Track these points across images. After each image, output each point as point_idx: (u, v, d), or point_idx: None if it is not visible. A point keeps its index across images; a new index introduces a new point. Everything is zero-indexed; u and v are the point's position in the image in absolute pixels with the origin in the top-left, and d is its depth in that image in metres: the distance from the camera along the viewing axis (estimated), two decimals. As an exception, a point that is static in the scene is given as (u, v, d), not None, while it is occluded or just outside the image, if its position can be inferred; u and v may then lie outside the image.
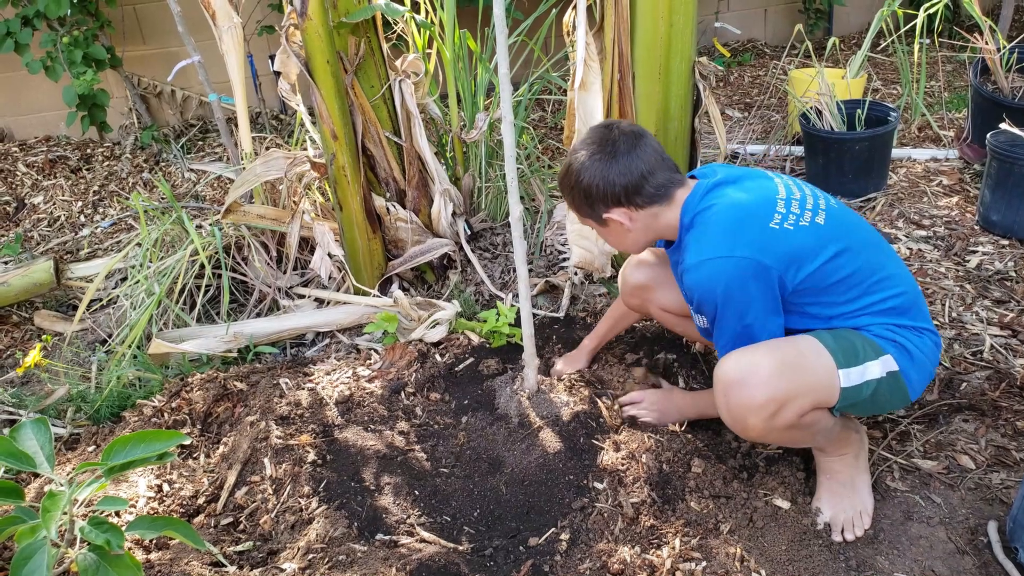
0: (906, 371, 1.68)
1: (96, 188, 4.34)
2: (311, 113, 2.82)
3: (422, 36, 3.00)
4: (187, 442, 2.18)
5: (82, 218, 4.08)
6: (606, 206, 1.76)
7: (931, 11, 3.57)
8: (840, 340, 1.64)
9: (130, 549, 1.75)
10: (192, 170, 4.43)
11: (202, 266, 2.85)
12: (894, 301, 1.69)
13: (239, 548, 1.81)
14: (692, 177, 1.81)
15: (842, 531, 1.76)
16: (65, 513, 1.34)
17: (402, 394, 2.34)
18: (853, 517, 1.77)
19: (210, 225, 3.16)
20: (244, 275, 3.02)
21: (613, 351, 2.42)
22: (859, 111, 3.36)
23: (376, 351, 2.59)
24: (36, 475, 2.07)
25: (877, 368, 1.64)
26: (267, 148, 3.42)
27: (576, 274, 2.83)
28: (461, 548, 1.80)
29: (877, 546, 1.74)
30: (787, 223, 1.65)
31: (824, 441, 1.75)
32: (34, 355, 2.37)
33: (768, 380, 1.56)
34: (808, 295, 1.67)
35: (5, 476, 2.07)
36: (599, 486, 1.91)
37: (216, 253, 2.90)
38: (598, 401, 2.14)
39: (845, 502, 1.79)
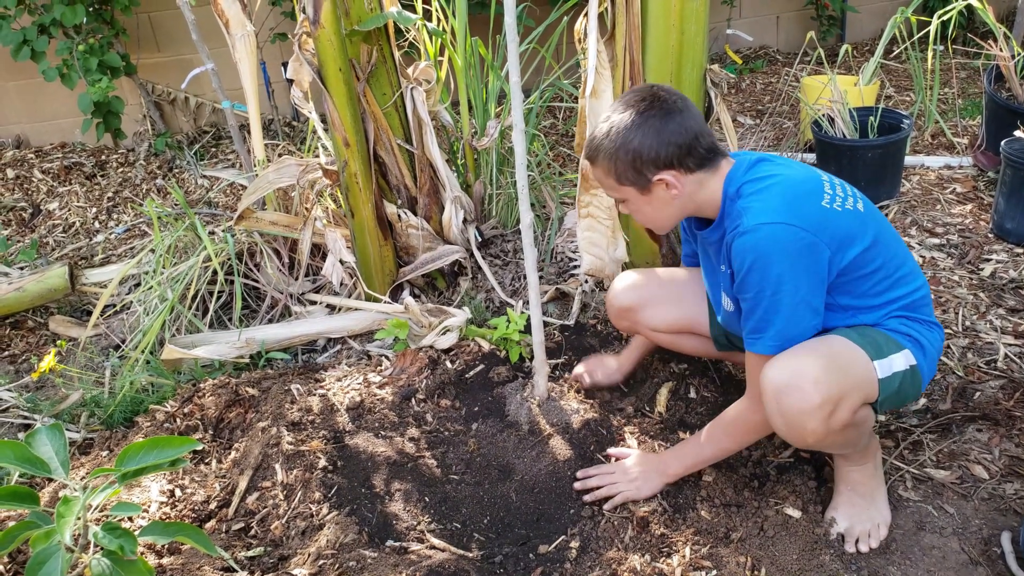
0: (920, 364, 1.68)
1: (110, 194, 4.38)
2: (323, 120, 2.84)
3: (434, 44, 3.02)
4: (199, 448, 2.20)
5: (96, 224, 4.11)
6: (656, 168, 1.65)
7: (945, 18, 3.56)
8: (863, 336, 1.64)
9: (142, 554, 1.76)
10: (205, 177, 4.46)
11: (215, 272, 2.87)
12: (913, 296, 1.71)
13: (250, 553, 1.82)
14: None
15: (857, 542, 1.74)
16: (79, 518, 1.35)
17: (413, 401, 2.34)
18: (871, 529, 1.76)
19: (223, 231, 3.18)
20: (256, 281, 3.04)
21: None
22: (872, 118, 3.35)
23: (387, 357, 2.60)
24: (50, 480, 2.08)
25: (901, 361, 1.64)
26: (280, 155, 3.44)
27: (587, 281, 2.83)
28: (471, 555, 1.80)
29: (889, 556, 1.73)
30: (835, 204, 1.63)
31: (863, 444, 1.74)
32: (49, 360, 2.39)
33: (819, 380, 1.51)
34: (844, 285, 1.66)
35: (20, 481, 2.08)
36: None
37: (229, 259, 2.92)
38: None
39: (863, 513, 1.77)
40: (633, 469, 1.91)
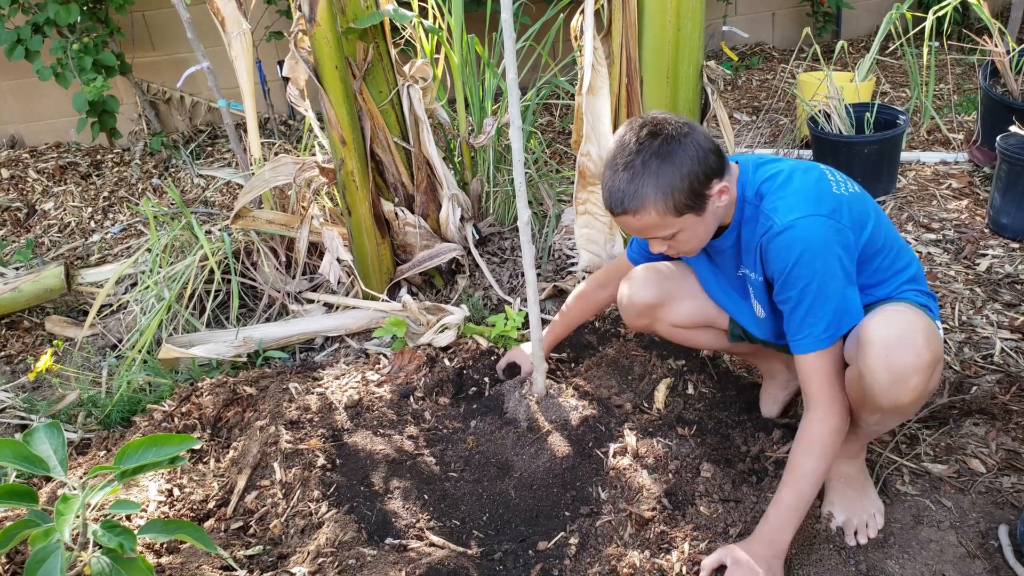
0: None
1: (106, 194, 4.37)
2: (320, 118, 2.83)
3: (430, 41, 3.01)
4: (198, 446, 2.20)
5: (92, 224, 4.10)
6: (709, 180, 1.60)
7: (940, 14, 3.56)
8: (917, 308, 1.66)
9: (141, 553, 1.75)
10: (201, 176, 4.45)
11: (212, 271, 2.87)
12: (911, 270, 1.73)
13: (249, 552, 1.82)
14: None
15: (855, 534, 1.75)
16: (78, 516, 1.35)
17: (411, 398, 2.34)
18: (867, 520, 1.77)
19: (219, 230, 3.18)
20: (253, 280, 3.04)
21: (622, 358, 2.41)
22: (868, 114, 3.35)
23: (385, 356, 2.60)
24: (48, 479, 2.08)
25: (939, 326, 1.68)
26: (276, 154, 3.44)
27: (584, 278, 2.84)
28: (470, 552, 1.80)
29: (887, 550, 1.73)
30: (842, 189, 1.66)
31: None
32: (45, 360, 2.38)
33: (929, 339, 1.52)
34: (861, 264, 1.67)
35: (18, 480, 2.08)
36: (608, 490, 1.91)
37: (225, 258, 2.91)
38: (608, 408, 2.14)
39: (858, 505, 1.79)
40: (746, 557, 1.62)
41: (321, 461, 2.04)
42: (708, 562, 1.65)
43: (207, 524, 1.95)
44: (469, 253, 3.02)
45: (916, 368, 1.51)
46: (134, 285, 3.11)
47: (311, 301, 2.96)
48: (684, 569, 1.68)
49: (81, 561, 1.39)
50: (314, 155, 3.05)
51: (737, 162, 1.74)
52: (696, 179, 1.58)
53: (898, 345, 1.51)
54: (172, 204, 4.10)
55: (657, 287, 2.01)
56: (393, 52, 2.78)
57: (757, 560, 1.60)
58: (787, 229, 1.58)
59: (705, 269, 1.94)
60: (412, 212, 2.90)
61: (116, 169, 4.67)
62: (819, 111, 3.40)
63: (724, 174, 1.63)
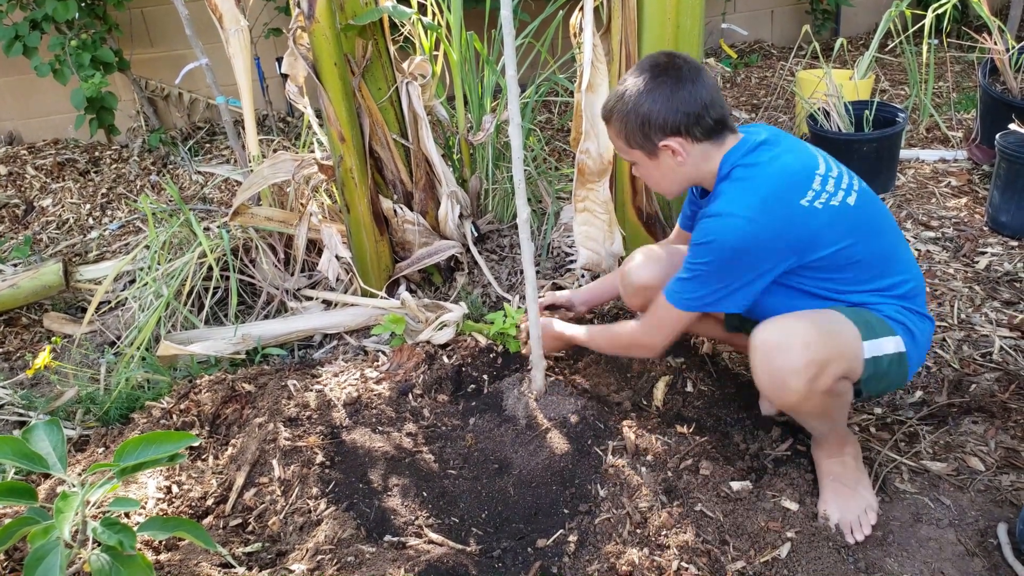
0: (909, 352, 1.72)
1: (104, 191, 4.36)
2: (318, 115, 2.83)
3: (429, 38, 3.01)
4: (197, 443, 2.19)
5: (91, 221, 4.10)
6: (664, 134, 1.70)
7: (939, 11, 3.56)
8: (858, 315, 1.69)
9: (140, 550, 1.75)
10: (200, 172, 4.44)
11: (210, 268, 2.87)
12: (905, 287, 1.74)
13: (248, 549, 1.82)
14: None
15: (851, 531, 1.76)
16: (78, 514, 1.35)
17: (410, 396, 2.34)
18: (860, 516, 1.78)
19: (218, 227, 3.17)
20: (252, 277, 3.03)
21: (622, 358, 2.41)
22: (867, 112, 3.35)
23: (384, 353, 2.60)
24: (47, 476, 2.08)
25: (891, 345, 1.68)
26: (274, 151, 3.43)
27: (583, 276, 2.83)
28: (469, 549, 1.80)
29: (886, 548, 1.73)
30: (818, 201, 1.67)
31: (839, 423, 1.78)
32: (44, 357, 2.38)
33: (808, 344, 1.59)
34: (823, 272, 1.71)
35: (16, 478, 2.08)
36: (607, 488, 1.91)
37: (224, 255, 2.91)
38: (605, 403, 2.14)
39: (851, 502, 1.79)
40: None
41: (320, 458, 2.04)
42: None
43: (206, 521, 1.95)
44: (468, 250, 3.01)
45: (792, 371, 1.60)
46: (132, 282, 3.11)
47: (310, 298, 2.96)
48: (682, 566, 1.68)
49: (80, 558, 1.39)
50: (313, 152, 3.05)
51: (743, 135, 1.76)
52: (648, 124, 1.70)
53: (775, 350, 1.62)
54: (170, 201, 4.10)
55: (655, 268, 2.07)
56: (392, 49, 2.77)
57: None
58: (715, 216, 1.67)
59: None
60: (411, 209, 2.90)
61: (114, 166, 4.66)
62: (818, 109, 3.40)
63: (689, 137, 1.71)
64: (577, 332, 2.16)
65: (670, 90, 1.68)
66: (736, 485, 1.87)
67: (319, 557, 1.73)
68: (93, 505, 1.45)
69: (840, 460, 1.83)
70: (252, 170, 2.98)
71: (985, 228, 3.00)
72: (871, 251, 1.71)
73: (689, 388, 2.27)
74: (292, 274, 3.02)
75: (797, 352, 1.59)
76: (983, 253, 2.84)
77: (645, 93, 1.69)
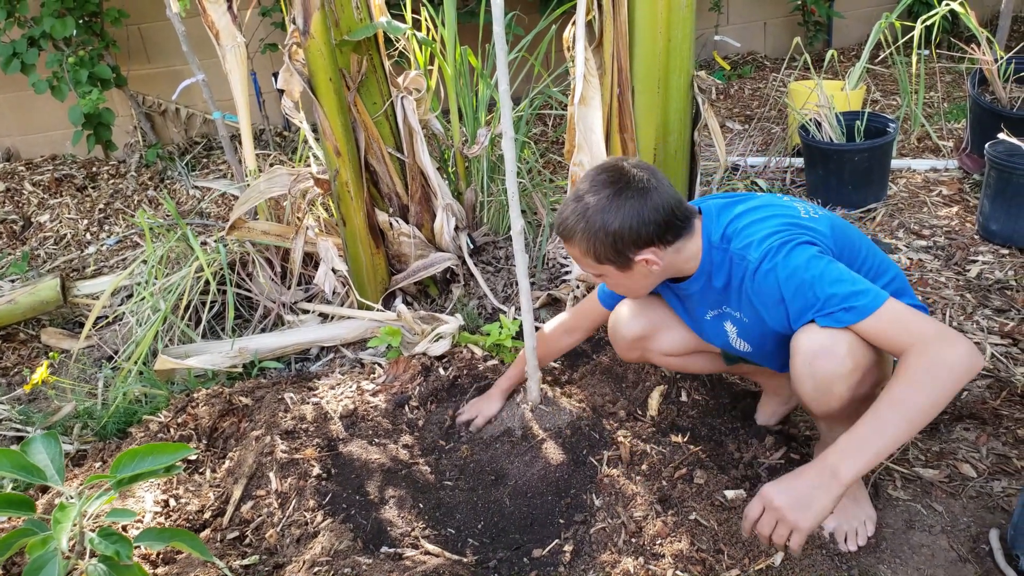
0: None
1: (102, 206, 4.38)
2: (314, 130, 2.85)
3: (424, 53, 3.04)
4: (193, 456, 2.20)
5: (88, 236, 4.11)
6: (637, 248, 1.65)
7: (929, 23, 3.60)
8: None
9: (137, 563, 1.76)
10: (197, 187, 4.46)
11: (207, 282, 2.88)
12: (896, 284, 1.76)
13: (245, 562, 1.82)
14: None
15: (845, 540, 1.77)
16: (75, 525, 1.36)
17: (406, 407, 2.35)
18: (858, 527, 1.78)
19: (215, 242, 3.19)
20: (249, 291, 3.05)
21: (615, 366, 2.43)
22: (858, 122, 3.38)
23: (380, 365, 2.61)
24: (45, 489, 2.08)
25: None
26: (271, 165, 3.45)
27: (578, 287, 2.85)
28: (465, 560, 1.81)
29: (879, 555, 1.74)
30: (811, 214, 1.69)
31: None
32: (41, 372, 2.39)
33: (852, 349, 1.54)
34: None
35: (15, 490, 2.08)
36: (602, 498, 1.92)
37: (221, 269, 2.92)
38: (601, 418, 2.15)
39: (849, 512, 1.79)
40: (785, 495, 1.44)
41: (316, 471, 2.05)
42: (751, 511, 1.49)
43: (203, 534, 1.96)
44: (464, 262, 3.03)
45: (838, 376, 1.55)
46: (130, 297, 3.12)
47: (306, 311, 2.97)
48: (677, 575, 1.69)
49: (78, 569, 1.39)
50: (309, 166, 3.07)
51: (700, 209, 1.75)
52: (621, 240, 1.64)
53: (820, 355, 1.55)
54: (168, 216, 4.12)
55: (643, 319, 2.02)
56: (387, 64, 2.80)
57: (797, 494, 1.42)
58: (764, 258, 1.61)
59: (678, 308, 1.95)
60: (407, 222, 2.92)
61: (112, 181, 4.68)
62: (810, 119, 3.43)
63: (662, 244, 1.66)
64: (843, 449, 1.43)
65: (638, 203, 1.62)
66: (730, 494, 1.88)
67: (316, 569, 1.74)
68: (90, 517, 1.46)
69: None
70: (249, 184, 3.00)
71: (976, 236, 3.02)
72: (863, 255, 1.73)
73: (683, 397, 2.29)
74: (289, 287, 3.04)
75: (844, 357, 1.54)
76: (974, 261, 2.86)
77: (613, 210, 1.62)
